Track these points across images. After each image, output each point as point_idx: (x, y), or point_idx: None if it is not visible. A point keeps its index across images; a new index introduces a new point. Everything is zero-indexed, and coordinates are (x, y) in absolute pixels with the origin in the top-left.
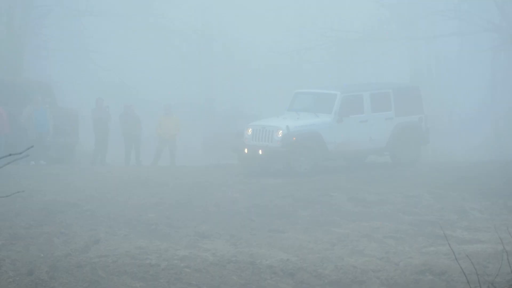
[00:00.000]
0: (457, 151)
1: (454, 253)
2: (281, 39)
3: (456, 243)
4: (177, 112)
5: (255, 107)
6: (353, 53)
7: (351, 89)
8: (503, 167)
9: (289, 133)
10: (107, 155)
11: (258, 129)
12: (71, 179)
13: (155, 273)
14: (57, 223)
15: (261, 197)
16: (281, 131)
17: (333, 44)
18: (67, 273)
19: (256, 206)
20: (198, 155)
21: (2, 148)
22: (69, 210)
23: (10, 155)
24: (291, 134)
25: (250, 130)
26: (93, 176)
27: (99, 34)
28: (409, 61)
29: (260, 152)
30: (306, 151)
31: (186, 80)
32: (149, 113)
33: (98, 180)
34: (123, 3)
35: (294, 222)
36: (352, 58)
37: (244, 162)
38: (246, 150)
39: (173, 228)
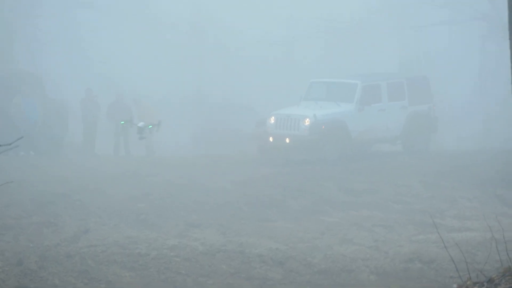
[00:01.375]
0: (448, 140)
1: (443, 241)
2: (272, 30)
3: (446, 232)
4: (165, 104)
5: (248, 97)
6: (343, 43)
7: (369, 79)
8: (493, 156)
9: (316, 122)
10: (96, 146)
11: (282, 118)
12: (60, 170)
13: (145, 263)
14: (46, 214)
15: (252, 187)
16: (308, 119)
17: (323, 34)
18: (57, 263)
19: (246, 195)
20: (188, 146)
21: None
22: (58, 201)
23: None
24: (319, 123)
25: (273, 119)
26: (83, 167)
27: (91, 26)
28: (398, 50)
29: (288, 140)
30: (333, 139)
31: (178, 71)
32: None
33: (87, 170)
34: None
35: (284, 212)
36: (342, 48)
37: (267, 151)
38: (271, 139)
39: (162, 218)
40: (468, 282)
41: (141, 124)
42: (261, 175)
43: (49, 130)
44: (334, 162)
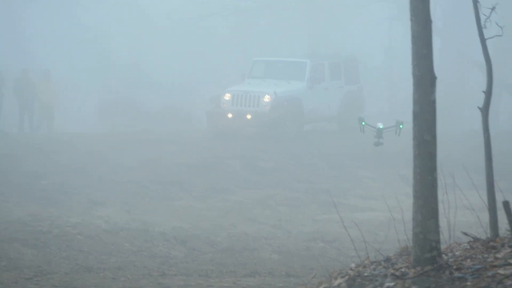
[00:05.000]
0: None
1: (342, 221)
2: (180, 6)
3: (349, 211)
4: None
5: (156, 72)
6: (252, 23)
7: (315, 58)
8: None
9: (277, 98)
10: (0, 121)
11: (240, 95)
12: None
13: (47, 240)
14: None
15: (156, 165)
16: (268, 96)
17: (231, 13)
18: None
19: (151, 173)
20: (94, 121)
21: None
22: None
23: None
24: (280, 99)
25: (228, 95)
26: None
27: None
28: (307, 32)
29: (249, 117)
30: (291, 116)
31: (82, 44)
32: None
33: None
34: None
35: (188, 190)
36: (251, 28)
37: (219, 126)
38: (230, 115)
39: (66, 195)
40: (366, 261)
41: (380, 125)
42: (166, 153)
43: None
44: (291, 139)
